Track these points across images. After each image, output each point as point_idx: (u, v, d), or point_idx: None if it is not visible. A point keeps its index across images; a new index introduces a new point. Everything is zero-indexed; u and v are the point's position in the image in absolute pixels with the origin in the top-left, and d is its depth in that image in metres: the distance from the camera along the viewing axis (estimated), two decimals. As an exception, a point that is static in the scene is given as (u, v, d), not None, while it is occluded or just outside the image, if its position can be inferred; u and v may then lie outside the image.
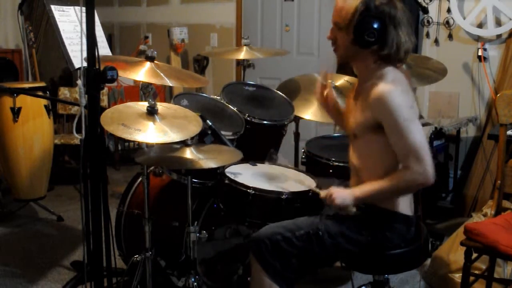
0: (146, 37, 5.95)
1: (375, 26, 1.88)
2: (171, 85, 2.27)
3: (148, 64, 2.38)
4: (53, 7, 2.55)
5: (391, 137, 1.88)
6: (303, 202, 2.16)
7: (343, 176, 2.21)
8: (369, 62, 1.97)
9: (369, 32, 1.88)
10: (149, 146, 2.41)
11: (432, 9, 4.11)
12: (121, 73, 2.16)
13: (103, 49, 2.69)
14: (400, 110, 1.85)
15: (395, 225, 2.00)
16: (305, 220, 2.02)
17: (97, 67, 1.79)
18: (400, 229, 2.00)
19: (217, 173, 2.32)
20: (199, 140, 2.37)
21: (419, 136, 1.87)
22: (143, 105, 2.17)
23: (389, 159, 1.93)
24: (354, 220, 2.01)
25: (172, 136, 2.07)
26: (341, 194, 1.96)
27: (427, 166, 1.85)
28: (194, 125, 2.18)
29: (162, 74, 2.35)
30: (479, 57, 4.02)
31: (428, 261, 2.93)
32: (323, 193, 2.03)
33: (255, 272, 1.99)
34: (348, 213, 1.98)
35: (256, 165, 2.50)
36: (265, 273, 1.95)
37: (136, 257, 2.44)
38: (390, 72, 1.95)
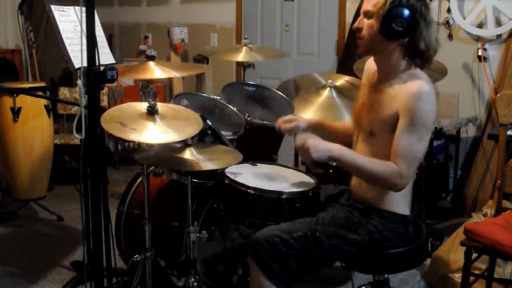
0: (146, 37, 5.95)
1: (405, 16, 1.85)
2: (178, 75, 2.29)
3: (151, 64, 2.40)
4: (53, 7, 2.55)
5: (400, 132, 1.86)
6: (303, 202, 2.16)
7: (343, 176, 2.20)
8: (397, 57, 1.94)
9: (397, 21, 1.85)
10: (149, 145, 2.41)
11: (432, 9, 4.09)
12: (127, 76, 2.17)
13: (103, 49, 2.68)
14: (427, 117, 1.86)
15: (392, 225, 1.99)
16: (302, 222, 2.02)
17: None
18: (397, 229, 2.00)
19: (217, 173, 2.32)
20: (199, 140, 2.37)
21: (422, 149, 1.88)
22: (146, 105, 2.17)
23: None
24: (351, 220, 2.01)
25: (169, 137, 2.07)
26: (318, 148, 1.92)
27: (409, 178, 1.89)
28: (193, 127, 2.17)
29: (166, 68, 2.36)
30: (479, 57, 4.02)
31: (428, 261, 2.94)
32: (298, 140, 1.98)
33: (254, 274, 1.98)
34: (313, 170, 1.97)
35: (256, 165, 2.50)
36: (263, 276, 1.94)
37: (136, 257, 2.44)
38: (424, 74, 1.95)
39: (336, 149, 1.95)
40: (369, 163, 1.91)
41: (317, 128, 2.27)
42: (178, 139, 2.12)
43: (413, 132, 1.85)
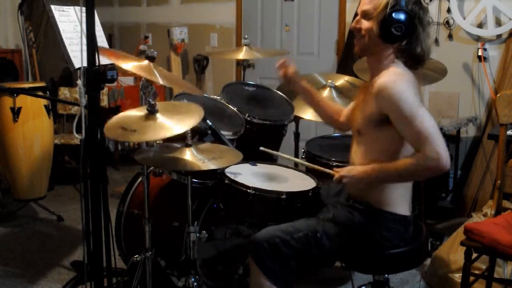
0: (146, 37, 5.95)
1: (404, 21, 1.86)
2: (162, 83, 2.26)
3: (146, 62, 2.34)
4: (53, 7, 2.55)
5: (399, 126, 1.86)
6: (303, 202, 2.16)
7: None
8: (391, 59, 1.95)
9: (396, 26, 1.86)
10: (149, 145, 2.41)
11: (432, 9, 4.11)
12: (115, 61, 2.14)
13: (103, 49, 2.68)
14: (405, 98, 1.84)
15: (392, 225, 1.99)
16: (303, 222, 2.02)
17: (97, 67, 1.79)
18: (397, 229, 2.00)
19: (217, 173, 2.32)
20: (199, 140, 2.37)
21: (427, 121, 1.84)
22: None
23: (394, 159, 1.91)
24: (351, 221, 2.01)
25: (170, 131, 2.06)
26: (351, 182, 1.97)
27: (441, 151, 1.81)
28: (194, 118, 2.14)
29: (156, 72, 2.31)
30: (479, 57, 4.02)
31: (428, 261, 2.94)
32: (336, 176, 2.01)
33: (254, 275, 1.98)
34: None
35: (256, 165, 2.50)
36: (264, 276, 1.94)
37: (136, 257, 2.44)
38: (399, 66, 1.95)
39: (367, 174, 1.94)
40: (399, 166, 1.88)
41: (305, 92, 2.36)
42: (180, 131, 2.10)
43: (408, 118, 1.83)
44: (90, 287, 1.95)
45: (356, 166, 2.00)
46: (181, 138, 2.21)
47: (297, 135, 3.35)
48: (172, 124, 2.09)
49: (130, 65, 2.21)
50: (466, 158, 4.18)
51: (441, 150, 1.81)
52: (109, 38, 6.04)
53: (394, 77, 1.89)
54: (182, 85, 2.62)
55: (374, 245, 1.98)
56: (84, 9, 1.75)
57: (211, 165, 2.17)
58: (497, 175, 2.60)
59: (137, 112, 2.18)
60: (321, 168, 2.14)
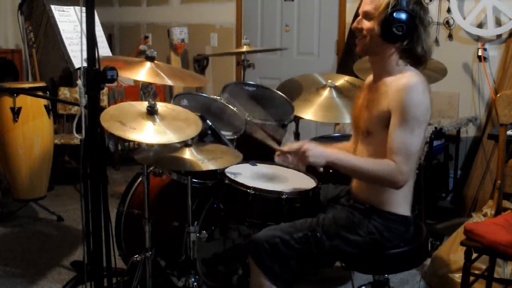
0: (146, 37, 5.95)
1: (405, 21, 1.87)
2: (171, 84, 2.27)
3: (148, 64, 2.38)
4: (53, 7, 2.55)
5: (392, 128, 1.87)
6: (303, 202, 2.16)
7: (343, 176, 2.20)
8: (393, 59, 1.96)
9: (398, 25, 1.87)
10: (149, 145, 2.41)
11: (432, 9, 4.10)
12: (121, 73, 2.16)
13: (103, 49, 2.69)
14: (416, 109, 1.85)
15: (393, 225, 1.99)
16: (303, 222, 2.02)
17: (97, 67, 1.79)
18: (398, 229, 2.00)
19: (217, 173, 2.32)
20: (199, 140, 2.37)
21: (417, 142, 1.87)
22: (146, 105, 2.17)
23: None
24: (352, 221, 2.01)
25: (168, 137, 2.07)
26: (315, 153, 1.93)
27: (409, 173, 1.87)
28: (192, 129, 2.17)
29: (162, 73, 2.34)
30: (479, 57, 4.02)
31: (428, 261, 2.94)
32: (294, 144, 1.97)
33: (254, 275, 1.98)
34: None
35: (256, 165, 2.50)
36: (264, 276, 1.94)
37: (136, 257, 2.44)
38: (415, 70, 1.96)
39: (333, 153, 1.96)
40: (367, 163, 1.91)
41: None
42: (177, 140, 2.12)
43: (405, 126, 1.85)
44: (90, 287, 1.95)
45: (322, 148, 1.97)
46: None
47: (297, 135, 3.34)
48: (171, 130, 2.09)
49: (134, 75, 2.22)
50: (466, 158, 4.18)
51: (409, 172, 1.88)
52: (109, 38, 6.05)
53: (416, 81, 1.89)
54: (190, 78, 2.58)
55: (374, 245, 1.98)
56: (84, 9, 1.75)
57: (211, 165, 2.17)
58: (497, 175, 2.59)
59: (135, 108, 2.18)
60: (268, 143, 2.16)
